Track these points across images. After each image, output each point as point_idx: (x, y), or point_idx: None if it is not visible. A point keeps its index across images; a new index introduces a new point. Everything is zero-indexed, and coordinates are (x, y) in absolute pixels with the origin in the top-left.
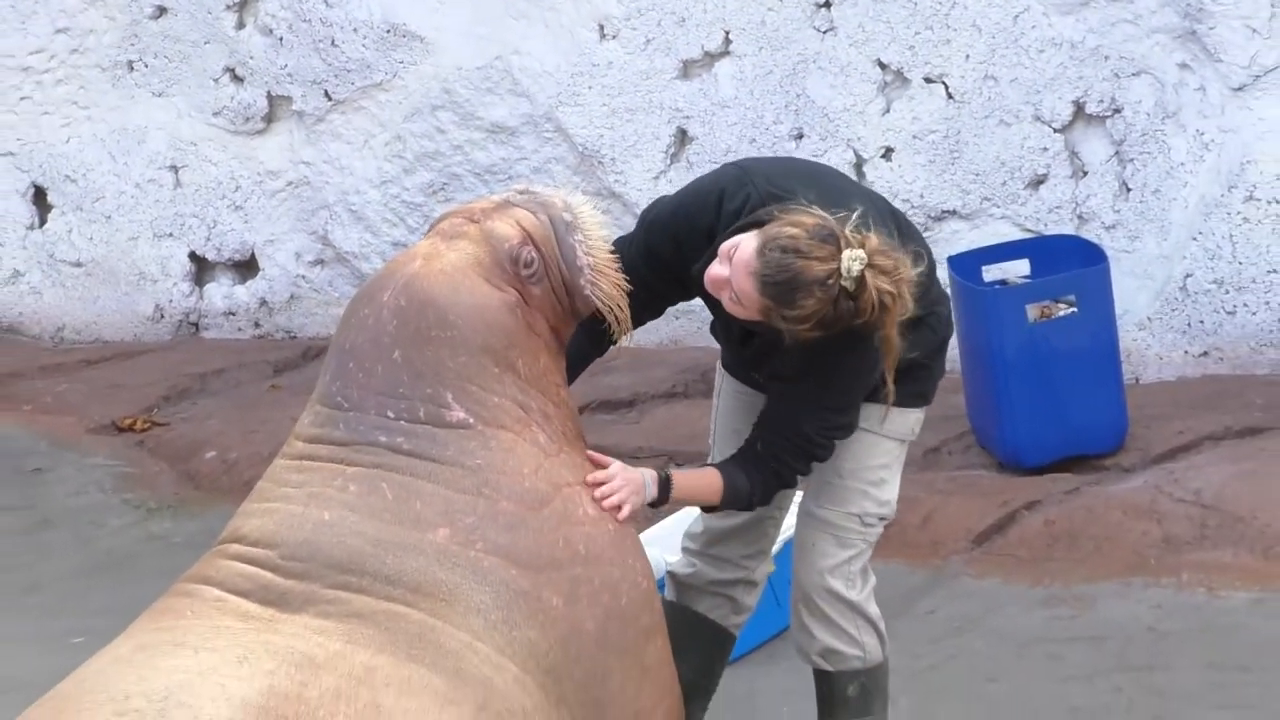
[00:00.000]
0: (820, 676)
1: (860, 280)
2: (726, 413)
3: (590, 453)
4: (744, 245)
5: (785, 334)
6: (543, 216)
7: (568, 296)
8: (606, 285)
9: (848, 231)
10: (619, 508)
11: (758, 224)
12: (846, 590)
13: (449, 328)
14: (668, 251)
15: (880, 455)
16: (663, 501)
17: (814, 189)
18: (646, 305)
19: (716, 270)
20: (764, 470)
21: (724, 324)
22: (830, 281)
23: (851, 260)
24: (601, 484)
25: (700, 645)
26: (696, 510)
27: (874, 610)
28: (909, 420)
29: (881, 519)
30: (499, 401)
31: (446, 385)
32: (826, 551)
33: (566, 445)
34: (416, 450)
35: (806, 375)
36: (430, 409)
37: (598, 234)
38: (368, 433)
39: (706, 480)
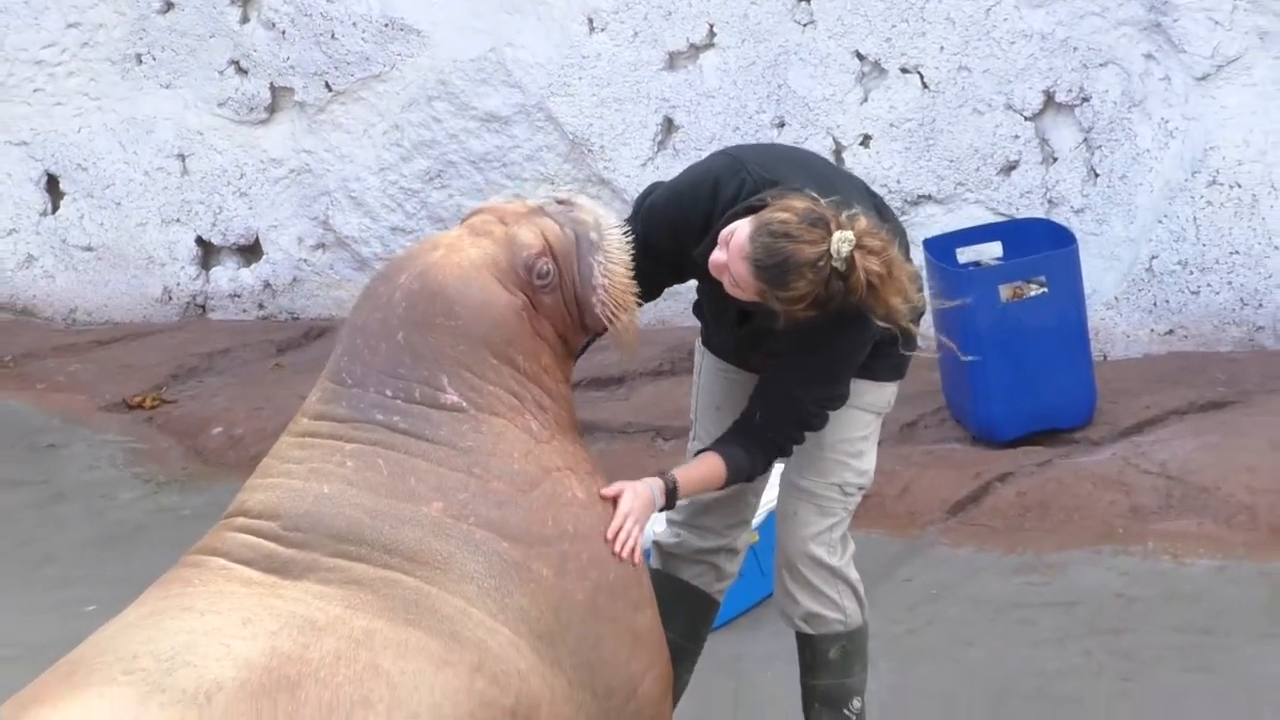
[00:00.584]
0: (803, 640)
1: (850, 261)
2: (708, 390)
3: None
4: (739, 231)
5: (782, 315)
6: (569, 231)
7: (578, 311)
8: (617, 309)
9: (841, 216)
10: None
11: (753, 209)
12: (828, 556)
13: (453, 317)
14: (664, 240)
15: (859, 428)
16: (671, 505)
17: (803, 174)
18: (643, 291)
19: (717, 255)
20: (762, 442)
21: (718, 306)
22: (821, 263)
23: (840, 242)
24: (614, 501)
25: (686, 610)
26: None
27: (854, 575)
28: (885, 394)
29: (860, 488)
30: (493, 390)
31: (443, 370)
32: (809, 520)
33: (559, 434)
34: (411, 429)
35: (802, 351)
36: (425, 390)
37: (620, 258)
38: (367, 410)
39: (708, 468)
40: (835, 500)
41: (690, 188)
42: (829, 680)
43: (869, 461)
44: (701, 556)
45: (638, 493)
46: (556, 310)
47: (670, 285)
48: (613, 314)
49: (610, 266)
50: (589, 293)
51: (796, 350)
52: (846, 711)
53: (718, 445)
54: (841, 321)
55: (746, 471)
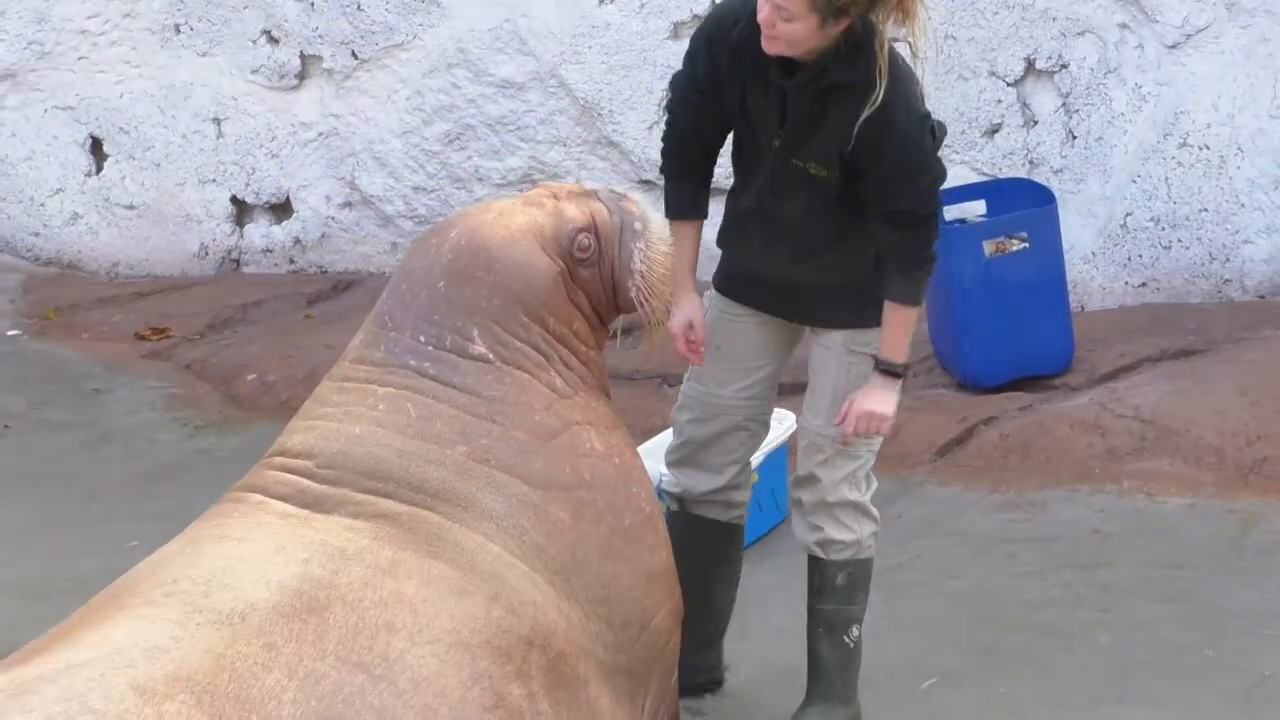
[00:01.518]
0: (813, 563)
1: None
2: (709, 329)
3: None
4: None
5: (839, 43)
6: (615, 218)
7: (613, 291)
8: (650, 296)
9: None
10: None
11: None
12: (852, 493)
13: (492, 273)
14: (706, 65)
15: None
16: (903, 374)
17: None
18: (703, 143)
19: (762, 12)
20: (911, 264)
21: (759, 118)
22: None
23: None
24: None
25: (709, 543)
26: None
27: (874, 510)
28: None
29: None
30: (521, 346)
31: (475, 322)
32: (837, 464)
33: (584, 391)
34: (440, 376)
35: (875, 163)
36: (455, 339)
37: (660, 250)
38: (401, 355)
39: (890, 317)
40: (860, 444)
41: (718, 9)
42: (833, 605)
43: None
44: (709, 495)
45: (866, 399)
46: (593, 285)
47: (718, 139)
48: (645, 299)
49: (650, 255)
50: (625, 276)
51: (868, 164)
52: (845, 639)
53: (887, 294)
54: (892, 117)
55: (917, 292)
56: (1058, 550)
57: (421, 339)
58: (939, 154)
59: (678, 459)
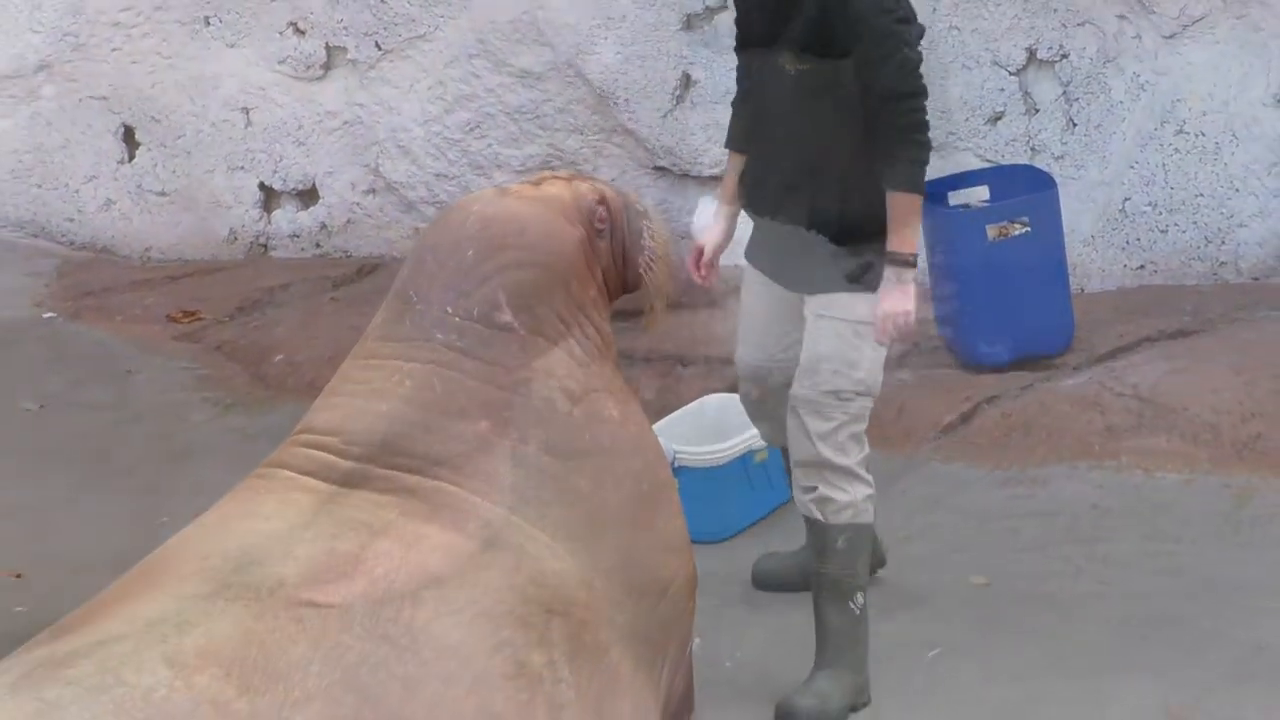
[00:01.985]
0: (813, 526)
1: None
2: (747, 301)
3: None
4: None
5: None
6: (620, 199)
7: (623, 265)
8: (659, 270)
9: None
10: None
11: None
12: (835, 457)
13: (524, 237)
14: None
15: (847, 338)
16: (914, 264)
17: None
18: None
19: None
20: (900, 146)
21: (759, 32)
22: None
23: None
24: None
25: None
26: (700, 402)
27: (865, 474)
28: (870, 305)
29: (858, 394)
30: (544, 313)
31: (504, 288)
32: (810, 424)
33: (598, 360)
34: (466, 348)
35: (851, 45)
36: (484, 308)
37: (662, 230)
38: (427, 329)
39: (894, 206)
40: (832, 405)
41: None
42: (836, 570)
43: (864, 370)
44: None
45: (891, 301)
46: (606, 256)
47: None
48: (654, 274)
49: (655, 233)
50: (636, 250)
51: (846, 47)
52: (851, 605)
53: (885, 184)
54: (850, 7)
55: (913, 178)
56: (1058, 525)
57: (449, 310)
58: (915, 44)
59: (754, 416)
